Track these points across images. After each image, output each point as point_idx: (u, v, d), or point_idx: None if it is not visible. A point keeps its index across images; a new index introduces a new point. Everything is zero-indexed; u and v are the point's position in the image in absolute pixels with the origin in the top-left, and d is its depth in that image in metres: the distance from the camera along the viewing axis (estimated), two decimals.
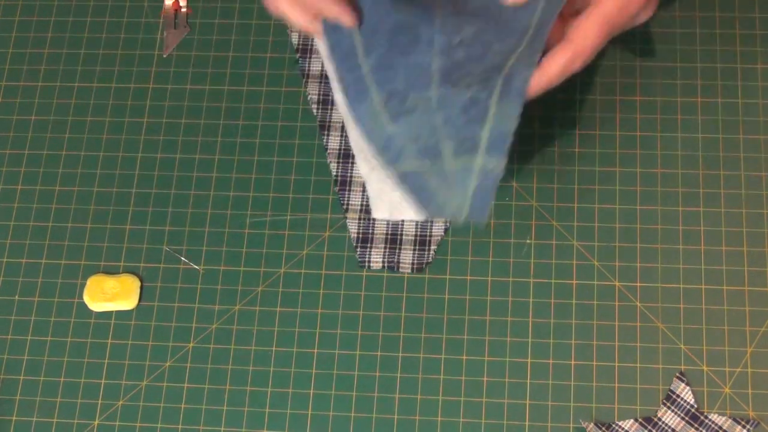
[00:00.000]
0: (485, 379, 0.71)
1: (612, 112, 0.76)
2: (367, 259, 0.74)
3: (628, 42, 0.78)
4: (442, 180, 0.66)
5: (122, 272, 0.75)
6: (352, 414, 0.70)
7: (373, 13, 0.67)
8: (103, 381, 0.73)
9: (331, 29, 0.68)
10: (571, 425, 0.69)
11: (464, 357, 0.71)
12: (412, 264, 0.73)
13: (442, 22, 0.67)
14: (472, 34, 0.66)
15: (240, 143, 0.78)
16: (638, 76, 0.77)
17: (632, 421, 0.69)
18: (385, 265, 0.73)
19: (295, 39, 0.80)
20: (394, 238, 0.74)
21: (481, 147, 0.65)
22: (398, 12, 0.67)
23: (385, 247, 0.74)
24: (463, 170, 0.65)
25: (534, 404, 0.70)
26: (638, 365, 0.70)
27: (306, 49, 0.80)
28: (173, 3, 0.82)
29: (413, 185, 0.67)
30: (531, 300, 0.72)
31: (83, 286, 0.75)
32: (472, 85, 0.65)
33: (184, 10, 0.82)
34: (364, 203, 0.75)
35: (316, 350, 0.72)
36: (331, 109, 0.78)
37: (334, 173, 0.76)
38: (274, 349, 0.72)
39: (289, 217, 0.75)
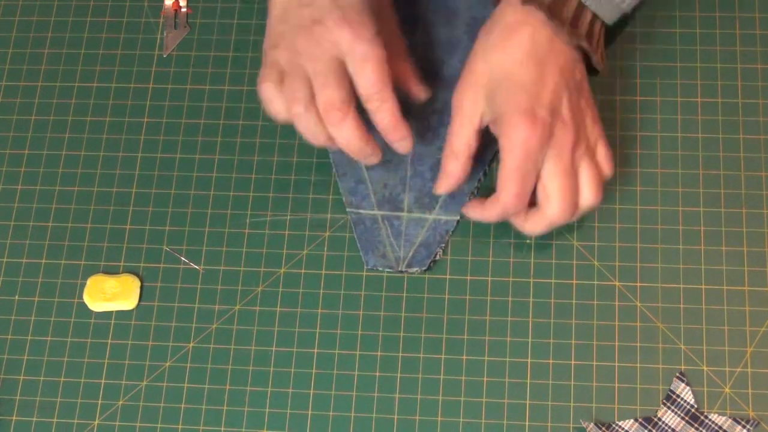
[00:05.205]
0: (485, 379, 0.71)
1: (612, 112, 0.76)
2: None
3: (629, 41, 0.78)
4: (394, 231, 0.73)
5: (122, 272, 0.75)
6: (352, 414, 0.70)
7: None
8: (103, 381, 0.72)
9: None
10: (571, 425, 0.69)
11: (464, 357, 0.71)
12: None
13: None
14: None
15: (240, 143, 0.78)
16: (638, 76, 0.77)
17: (632, 421, 0.69)
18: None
19: None
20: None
21: (437, 205, 0.73)
22: None
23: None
24: (415, 224, 0.73)
25: (534, 404, 0.70)
26: (638, 365, 0.70)
27: None
28: (173, 3, 0.82)
29: (365, 230, 0.73)
30: (531, 300, 0.72)
31: (83, 286, 0.75)
32: None
33: (184, 10, 0.82)
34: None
35: (316, 350, 0.72)
36: None
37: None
38: (274, 349, 0.72)
39: (289, 217, 0.75)
